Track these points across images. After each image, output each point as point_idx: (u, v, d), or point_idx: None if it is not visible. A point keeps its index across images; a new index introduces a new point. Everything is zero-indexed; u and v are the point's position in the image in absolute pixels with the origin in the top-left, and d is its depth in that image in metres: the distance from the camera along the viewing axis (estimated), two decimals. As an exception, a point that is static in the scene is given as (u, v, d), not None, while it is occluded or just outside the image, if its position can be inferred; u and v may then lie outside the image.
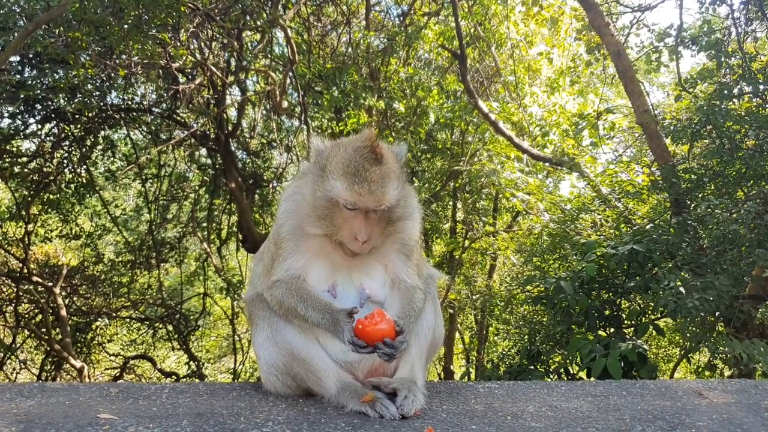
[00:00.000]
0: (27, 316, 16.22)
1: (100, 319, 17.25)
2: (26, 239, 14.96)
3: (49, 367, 16.52)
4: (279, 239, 3.01)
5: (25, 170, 14.69)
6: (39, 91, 12.80)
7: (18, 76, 12.67)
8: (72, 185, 15.43)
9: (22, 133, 14.31)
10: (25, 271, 14.95)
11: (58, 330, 15.14)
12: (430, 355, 3.16)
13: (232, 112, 16.56)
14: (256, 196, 17.31)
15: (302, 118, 15.48)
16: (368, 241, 2.79)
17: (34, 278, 15.00)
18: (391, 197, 2.75)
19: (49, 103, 13.72)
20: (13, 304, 15.59)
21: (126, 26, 11.42)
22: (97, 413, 2.77)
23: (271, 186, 17.58)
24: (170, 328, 17.57)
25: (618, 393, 3.35)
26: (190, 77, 14.80)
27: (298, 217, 2.96)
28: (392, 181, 2.76)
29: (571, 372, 9.63)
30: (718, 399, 3.27)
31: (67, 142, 15.04)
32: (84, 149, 15.15)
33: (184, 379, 17.86)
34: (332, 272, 2.97)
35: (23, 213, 14.82)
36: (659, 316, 9.34)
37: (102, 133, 15.61)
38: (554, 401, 3.18)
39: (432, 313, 3.10)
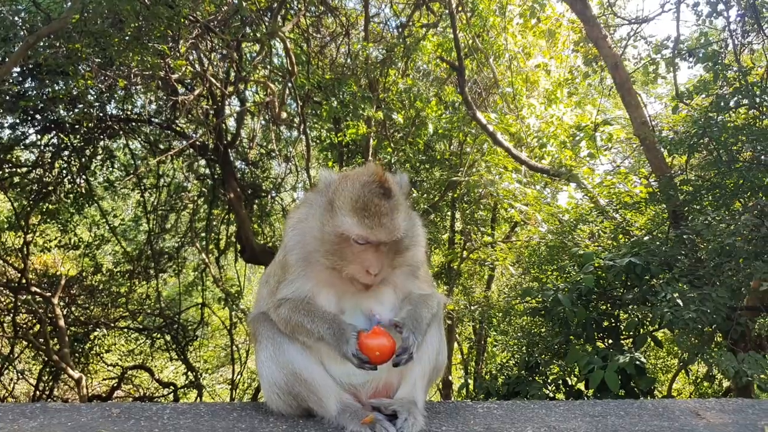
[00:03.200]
0: (25, 326, 16.20)
1: (98, 329, 17.23)
2: (25, 249, 14.97)
3: (46, 377, 16.49)
4: (286, 265, 3.02)
5: (25, 180, 14.72)
6: (39, 102, 12.84)
7: (18, 87, 12.72)
8: (71, 195, 15.46)
9: (21, 144, 14.37)
10: (24, 281, 14.95)
11: (56, 340, 15.13)
12: (432, 379, 3.16)
13: (231, 123, 16.62)
14: (255, 206, 17.34)
15: (301, 129, 15.55)
16: (379, 274, 2.80)
17: (33, 288, 14.99)
18: (402, 228, 2.78)
19: (49, 113, 13.75)
20: (11, 314, 15.58)
21: (126, 38, 11.46)
22: (100, 434, 2.79)
23: (269, 196, 17.61)
24: (168, 338, 17.54)
25: (616, 413, 3.36)
26: (189, 88, 14.87)
27: (304, 248, 2.97)
28: (401, 213, 2.79)
29: (570, 384, 9.63)
30: (715, 419, 3.29)
31: (66, 153, 15.08)
32: (83, 159, 15.18)
33: (182, 390, 17.81)
34: (340, 299, 2.97)
35: (22, 223, 14.83)
36: (657, 327, 9.36)
37: (101, 143, 15.65)
38: (553, 421, 3.20)
39: (437, 337, 3.10)
